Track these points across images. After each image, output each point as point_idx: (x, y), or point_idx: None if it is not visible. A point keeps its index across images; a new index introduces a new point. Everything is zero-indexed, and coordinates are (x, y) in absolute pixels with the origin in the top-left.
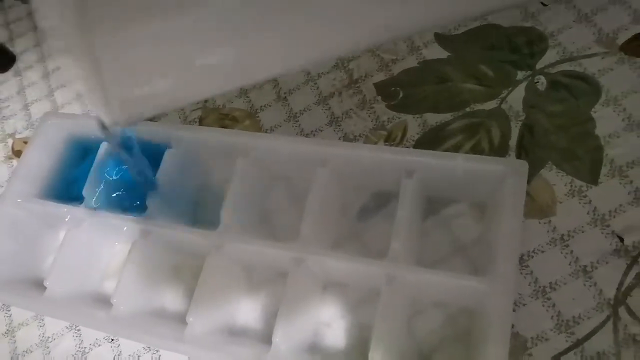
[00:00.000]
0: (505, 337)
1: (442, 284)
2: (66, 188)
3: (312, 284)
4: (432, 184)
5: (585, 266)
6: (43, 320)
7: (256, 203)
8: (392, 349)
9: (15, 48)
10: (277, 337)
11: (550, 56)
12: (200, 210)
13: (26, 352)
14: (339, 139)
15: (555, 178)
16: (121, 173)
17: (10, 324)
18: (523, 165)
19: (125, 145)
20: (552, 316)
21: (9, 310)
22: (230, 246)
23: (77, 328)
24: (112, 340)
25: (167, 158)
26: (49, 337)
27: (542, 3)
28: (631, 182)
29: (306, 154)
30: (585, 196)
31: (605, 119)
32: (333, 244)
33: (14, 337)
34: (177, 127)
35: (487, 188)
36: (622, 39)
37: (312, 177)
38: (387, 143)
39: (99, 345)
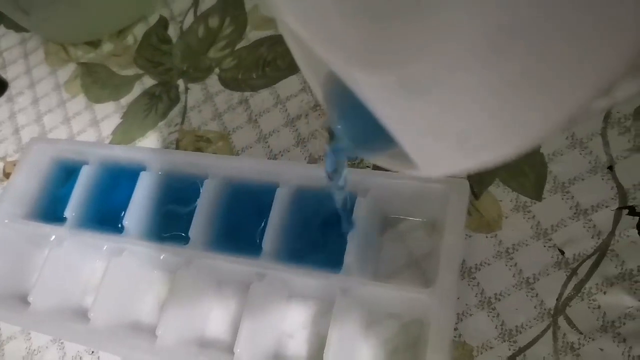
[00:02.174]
0: (445, 345)
1: (392, 296)
2: (51, 208)
3: (276, 296)
4: (386, 201)
5: (528, 278)
6: (29, 334)
7: (222, 220)
8: (345, 358)
9: (8, 74)
10: (239, 348)
11: None
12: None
13: None
14: (305, 159)
15: (502, 194)
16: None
17: None
18: (464, 184)
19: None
20: (497, 325)
21: None
22: (199, 261)
23: (61, 341)
24: (92, 352)
25: (142, 179)
26: (34, 350)
27: None
28: (572, 197)
29: (267, 175)
30: (529, 211)
31: (550, 137)
32: (293, 258)
33: (2, 350)
34: (152, 150)
35: (436, 205)
36: None
37: (273, 196)
38: (348, 162)
39: (81, 358)
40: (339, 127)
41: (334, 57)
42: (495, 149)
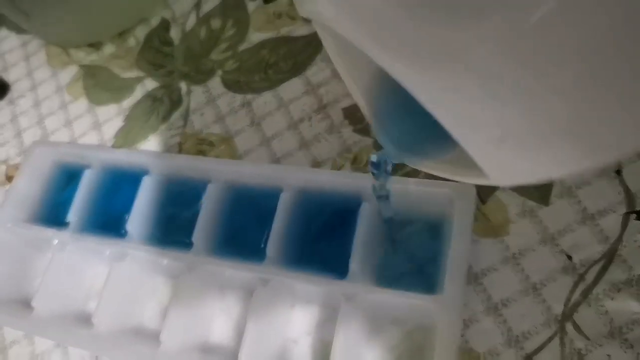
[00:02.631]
0: (452, 352)
1: (398, 303)
2: (53, 212)
3: (280, 302)
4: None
5: (535, 283)
6: (33, 338)
7: (225, 225)
8: None
9: (9, 77)
10: (243, 355)
11: None
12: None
13: None
14: (309, 162)
15: (509, 199)
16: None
17: (2, 342)
18: (470, 189)
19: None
20: (503, 332)
21: (1, 330)
22: (202, 267)
23: (64, 346)
24: (96, 358)
25: (145, 183)
26: (38, 355)
27: None
28: (579, 202)
29: (270, 179)
30: (536, 216)
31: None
32: (297, 264)
33: (6, 355)
34: (154, 154)
35: (441, 209)
36: None
37: (277, 201)
38: (353, 166)
39: None
40: (386, 134)
41: (398, 61)
42: (572, 163)
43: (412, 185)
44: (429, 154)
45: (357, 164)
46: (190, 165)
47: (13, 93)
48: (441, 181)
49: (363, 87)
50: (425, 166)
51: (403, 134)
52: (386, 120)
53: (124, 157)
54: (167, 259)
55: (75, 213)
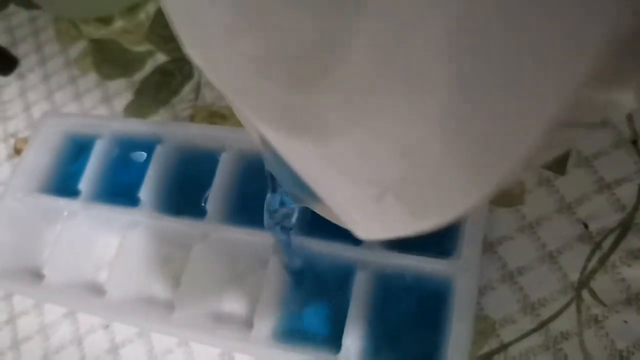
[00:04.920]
0: (469, 316)
1: (411, 268)
2: (63, 183)
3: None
4: None
5: (552, 252)
6: (42, 309)
7: (240, 193)
8: (364, 331)
9: (18, 52)
10: (259, 320)
11: None
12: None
13: (26, 338)
14: None
15: None
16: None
17: (11, 312)
18: None
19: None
20: (519, 299)
21: (10, 300)
22: (215, 235)
23: (74, 316)
24: (107, 327)
25: (157, 152)
26: (47, 325)
27: None
28: (596, 171)
29: None
30: (553, 186)
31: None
32: (312, 231)
33: (15, 325)
34: (166, 124)
35: None
36: None
37: None
38: None
39: (94, 332)
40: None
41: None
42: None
43: None
44: (311, 199)
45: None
46: (203, 134)
47: (22, 67)
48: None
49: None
50: (318, 209)
51: (284, 175)
52: (271, 158)
53: (135, 127)
54: (181, 226)
55: (86, 182)
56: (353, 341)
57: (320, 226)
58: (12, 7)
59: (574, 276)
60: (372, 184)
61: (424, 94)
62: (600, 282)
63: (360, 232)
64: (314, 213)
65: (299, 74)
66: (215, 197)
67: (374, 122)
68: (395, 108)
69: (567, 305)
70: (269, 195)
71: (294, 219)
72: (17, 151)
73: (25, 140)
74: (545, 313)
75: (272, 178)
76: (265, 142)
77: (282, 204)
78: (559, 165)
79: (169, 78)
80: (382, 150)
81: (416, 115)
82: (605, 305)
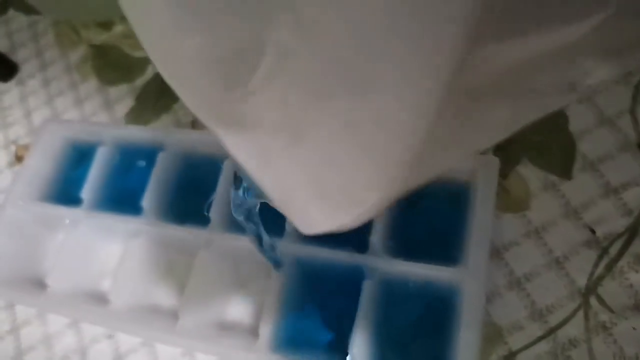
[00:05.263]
0: (477, 323)
1: (418, 275)
2: (65, 190)
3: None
4: None
5: (558, 257)
6: (45, 318)
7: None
8: (371, 339)
9: (18, 57)
10: (264, 329)
11: None
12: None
13: (30, 348)
14: None
15: (530, 173)
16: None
17: (14, 322)
18: (494, 162)
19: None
20: (527, 306)
21: (12, 310)
22: (219, 242)
23: (77, 325)
24: (110, 336)
25: (160, 159)
26: (51, 335)
27: None
28: (602, 175)
29: None
30: (558, 190)
31: (578, 116)
32: (316, 239)
33: (18, 335)
34: (168, 130)
35: (462, 182)
36: None
37: None
38: None
39: (98, 342)
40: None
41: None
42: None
43: None
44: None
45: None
46: (205, 141)
47: (22, 73)
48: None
49: None
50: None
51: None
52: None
53: (137, 134)
54: (184, 234)
55: (88, 190)
56: (360, 349)
57: (327, 234)
58: (11, 12)
59: (582, 282)
60: (296, 181)
61: (328, 101)
62: (608, 288)
63: (298, 226)
64: None
65: (232, 74)
66: (218, 204)
67: (300, 121)
68: (311, 111)
69: (575, 311)
70: (232, 191)
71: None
72: (18, 158)
73: (26, 147)
74: (553, 320)
75: (235, 174)
76: None
77: (244, 197)
78: (565, 170)
79: None
80: (303, 150)
81: (327, 116)
82: (613, 312)
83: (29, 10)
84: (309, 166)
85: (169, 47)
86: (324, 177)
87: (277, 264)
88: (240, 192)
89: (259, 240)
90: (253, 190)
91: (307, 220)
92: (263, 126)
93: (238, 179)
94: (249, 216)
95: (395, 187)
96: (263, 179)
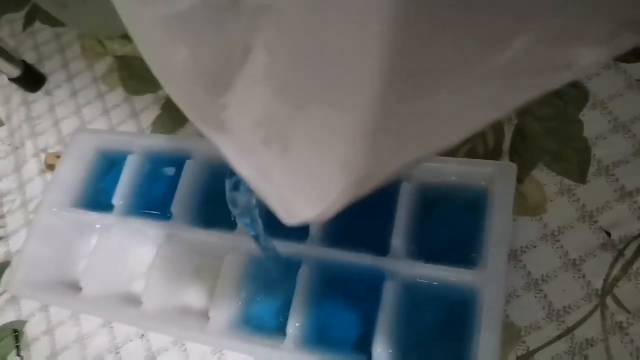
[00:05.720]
0: (497, 325)
1: (438, 278)
2: (95, 197)
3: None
4: (430, 185)
5: (575, 259)
6: (79, 319)
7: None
8: (393, 340)
9: (45, 69)
10: (291, 329)
11: None
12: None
13: (65, 348)
14: None
15: (545, 178)
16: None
17: (48, 323)
18: (511, 167)
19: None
20: (544, 306)
21: (47, 312)
22: (246, 247)
23: (110, 325)
24: (142, 336)
25: (187, 167)
26: (84, 335)
27: None
28: (617, 180)
29: None
30: (574, 194)
31: (592, 122)
32: (340, 242)
33: (53, 335)
34: (195, 139)
35: (480, 188)
36: None
37: None
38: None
39: (131, 341)
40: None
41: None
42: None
43: (452, 164)
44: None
45: None
46: None
47: (49, 84)
48: (482, 159)
49: None
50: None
51: None
52: None
53: (165, 143)
54: (212, 239)
55: (119, 197)
56: (382, 350)
57: (347, 237)
58: (37, 24)
59: (598, 284)
60: (274, 177)
61: (295, 110)
62: (624, 290)
63: (279, 216)
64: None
65: (216, 80)
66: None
67: (272, 127)
68: (280, 119)
69: (592, 312)
70: (228, 191)
71: (255, 209)
72: (49, 166)
73: (55, 155)
74: (570, 320)
75: (230, 170)
76: None
77: (237, 195)
78: (580, 174)
79: None
80: (276, 153)
81: (293, 121)
82: (629, 312)
83: (55, 22)
84: (283, 165)
85: (161, 58)
86: (296, 173)
87: (276, 260)
88: (233, 186)
89: (257, 237)
90: (244, 185)
91: (287, 211)
92: (242, 128)
93: (232, 174)
94: (244, 211)
95: (356, 181)
96: (247, 176)
